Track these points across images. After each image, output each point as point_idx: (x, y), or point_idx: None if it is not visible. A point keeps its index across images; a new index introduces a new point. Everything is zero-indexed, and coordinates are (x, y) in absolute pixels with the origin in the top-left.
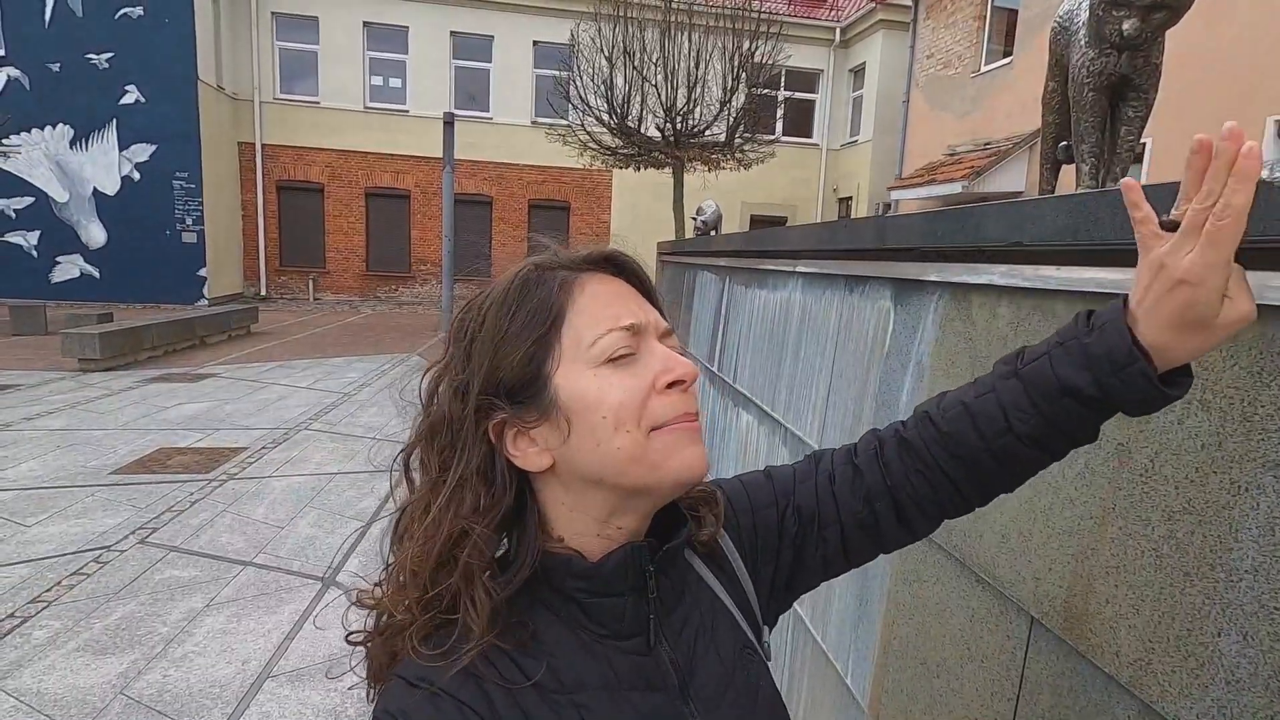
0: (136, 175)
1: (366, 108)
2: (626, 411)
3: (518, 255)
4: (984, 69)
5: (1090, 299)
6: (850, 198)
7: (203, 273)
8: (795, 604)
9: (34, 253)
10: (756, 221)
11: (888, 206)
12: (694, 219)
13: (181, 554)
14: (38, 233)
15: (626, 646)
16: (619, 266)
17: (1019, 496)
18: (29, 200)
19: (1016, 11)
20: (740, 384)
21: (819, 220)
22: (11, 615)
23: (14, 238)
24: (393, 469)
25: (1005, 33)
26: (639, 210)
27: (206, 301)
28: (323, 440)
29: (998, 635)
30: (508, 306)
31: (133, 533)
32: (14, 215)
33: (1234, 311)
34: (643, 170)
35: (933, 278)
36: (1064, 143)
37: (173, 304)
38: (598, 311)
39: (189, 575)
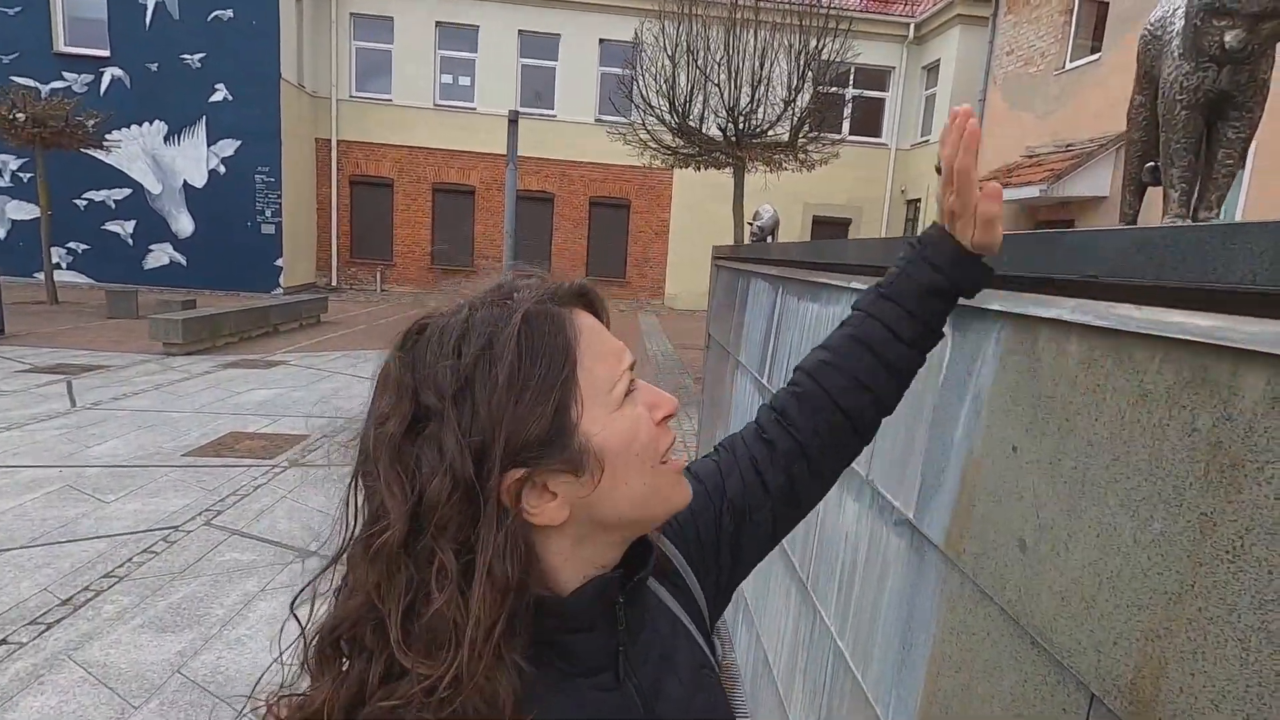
0: (222, 169)
1: (436, 105)
2: (651, 448)
3: (576, 254)
4: (1069, 65)
5: (1177, 347)
6: (919, 199)
7: (279, 263)
8: (837, 638)
9: (130, 240)
10: (819, 223)
11: None
12: (750, 224)
13: (243, 537)
14: (134, 222)
15: (595, 682)
16: (592, 301)
17: (1082, 556)
18: (127, 191)
19: (1107, 5)
20: None
21: (885, 223)
22: (87, 589)
23: (113, 226)
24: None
25: (1094, 27)
26: (698, 210)
27: (281, 290)
28: None
29: (1052, 706)
30: (523, 349)
31: (199, 514)
32: (114, 206)
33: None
34: (703, 170)
35: (995, 306)
36: (1151, 164)
37: (251, 292)
38: (603, 350)
39: (248, 559)
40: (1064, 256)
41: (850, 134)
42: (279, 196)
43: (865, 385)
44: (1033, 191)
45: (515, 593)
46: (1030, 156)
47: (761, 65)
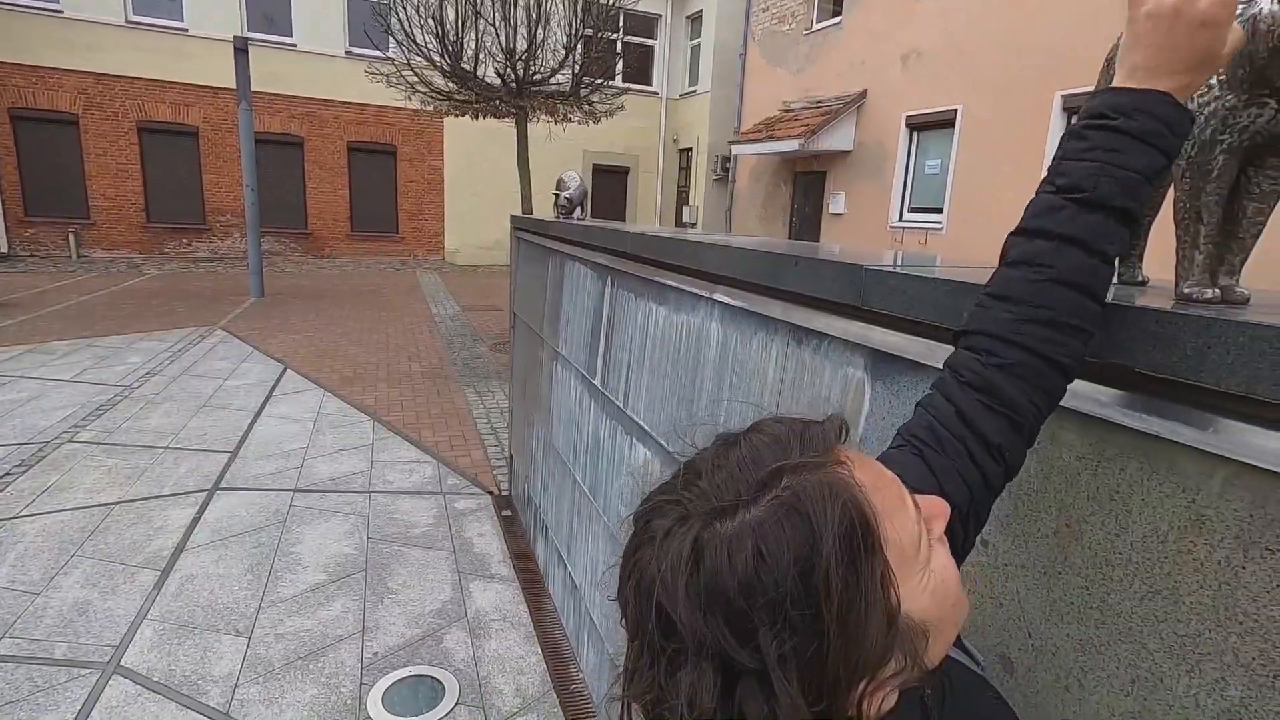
0: None
1: (130, 22)
2: (957, 590)
3: (337, 207)
4: (815, 27)
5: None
6: (690, 149)
7: None
8: None
9: None
10: (600, 172)
11: (727, 160)
12: (555, 194)
13: None
14: None
15: None
16: (845, 429)
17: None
18: None
19: None
20: (635, 413)
21: (660, 172)
22: None
23: None
24: None
25: None
26: (476, 157)
27: None
28: (95, 456)
29: None
30: (843, 564)
31: None
32: None
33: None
34: (479, 119)
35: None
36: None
37: None
38: (891, 500)
39: None
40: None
41: (625, 82)
42: None
43: (1079, 328)
44: (792, 145)
45: None
46: (786, 111)
47: (539, 5)
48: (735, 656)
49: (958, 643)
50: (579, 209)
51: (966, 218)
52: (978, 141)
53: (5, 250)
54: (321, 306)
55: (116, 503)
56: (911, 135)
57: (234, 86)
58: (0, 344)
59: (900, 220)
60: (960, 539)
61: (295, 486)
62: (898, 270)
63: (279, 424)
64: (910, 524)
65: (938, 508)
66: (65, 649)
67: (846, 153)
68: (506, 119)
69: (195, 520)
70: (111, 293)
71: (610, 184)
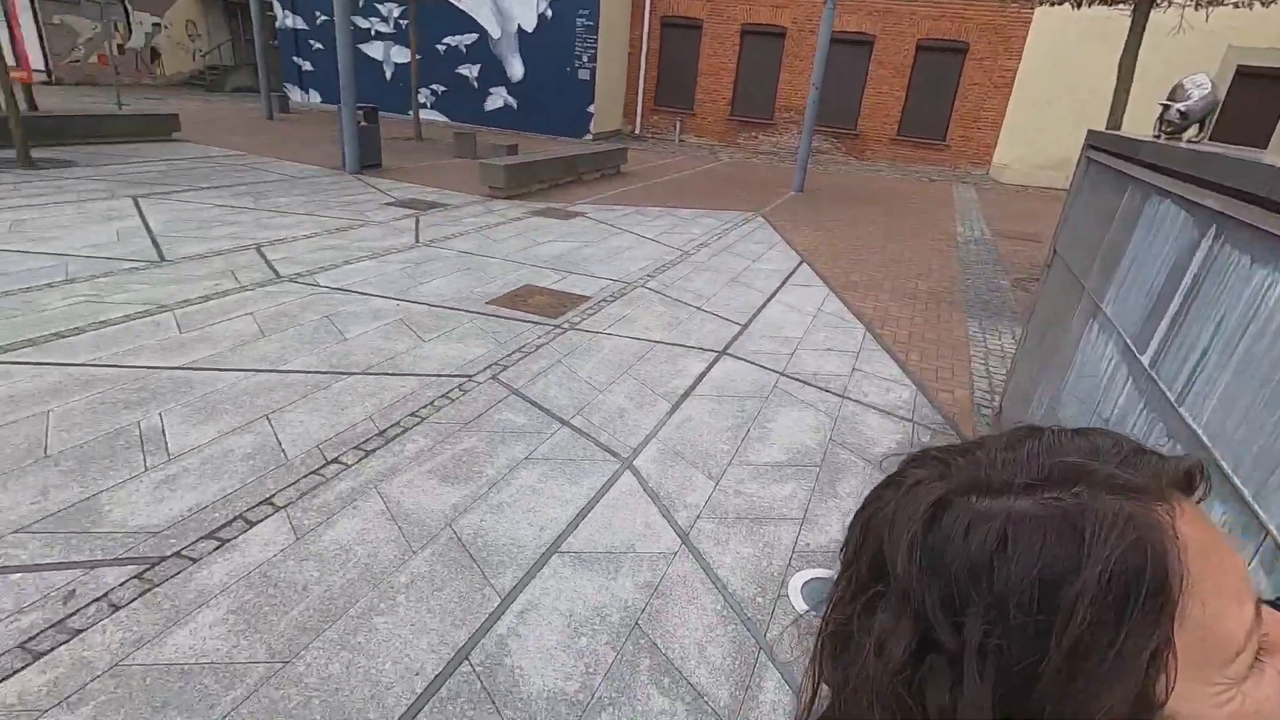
0: (549, 14)
1: None
2: None
3: (889, 110)
4: None
5: None
6: None
7: (591, 109)
8: None
9: (475, 83)
10: (1246, 76)
11: None
12: (1164, 105)
13: (519, 398)
14: (479, 66)
15: None
16: (1195, 486)
17: None
18: (474, 37)
19: None
20: (1194, 416)
21: None
22: (397, 424)
23: (463, 70)
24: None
25: None
26: (1063, 56)
27: (591, 137)
28: (653, 301)
29: None
30: (1098, 598)
31: (489, 366)
32: (464, 50)
33: None
34: (1086, 7)
35: None
36: None
37: (565, 137)
38: (1223, 586)
39: (520, 422)
40: None
41: None
42: (595, 41)
43: None
44: None
45: None
46: None
47: None
48: (937, 627)
49: None
50: (1196, 127)
51: None
52: None
53: (638, 132)
54: (850, 208)
55: (658, 342)
56: None
57: None
58: (620, 202)
59: None
60: None
61: (783, 370)
62: None
63: (784, 311)
64: (1234, 622)
65: None
66: (607, 437)
67: None
68: (1121, 4)
69: (703, 374)
70: (695, 173)
71: (1261, 95)
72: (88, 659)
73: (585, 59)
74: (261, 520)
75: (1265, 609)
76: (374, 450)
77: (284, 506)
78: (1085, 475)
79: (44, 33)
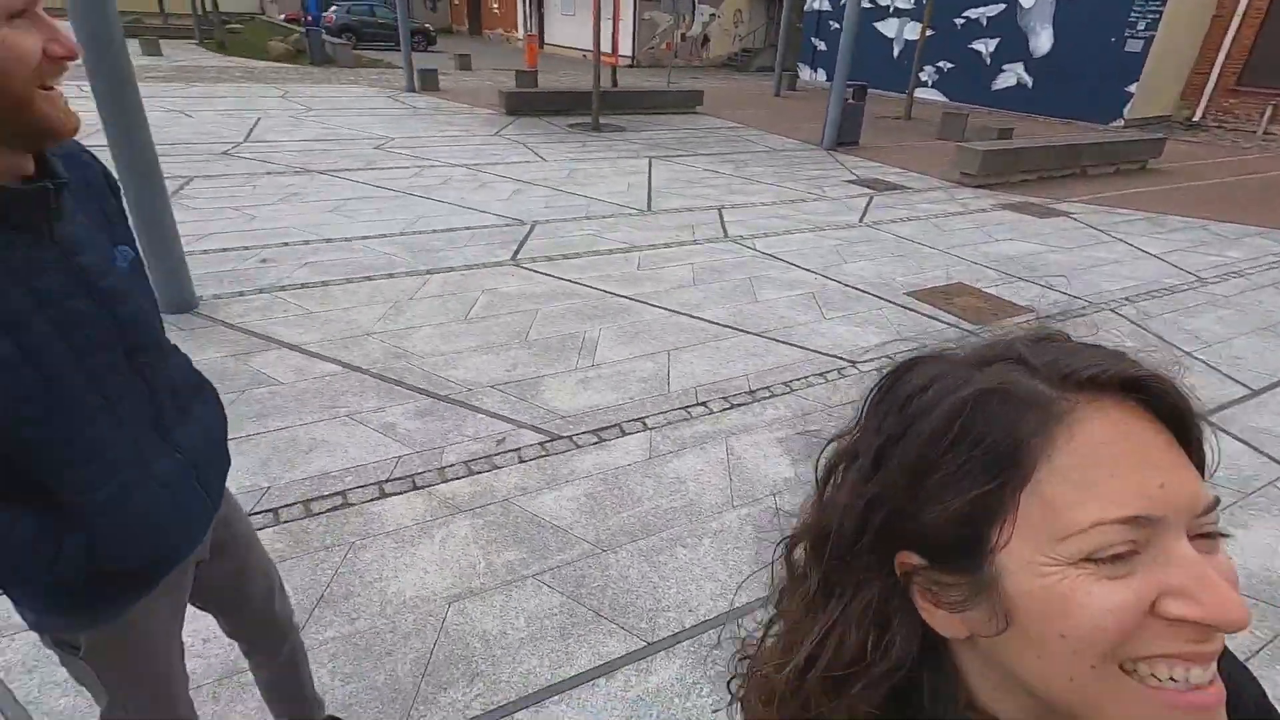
0: None
1: None
2: (1098, 642)
3: None
4: None
5: None
6: None
7: (1131, 89)
8: None
9: (987, 59)
10: None
11: None
12: None
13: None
14: (996, 40)
15: None
16: (1148, 394)
17: None
18: (1000, 7)
19: None
20: None
21: None
22: (766, 388)
23: (977, 45)
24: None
25: None
26: None
27: (1122, 123)
28: (1120, 334)
29: None
30: (941, 432)
31: (879, 358)
32: (984, 24)
33: None
34: None
35: None
36: None
37: (1087, 122)
38: (1091, 480)
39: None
40: None
41: None
42: (1163, 3)
43: None
44: None
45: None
46: None
47: None
48: (865, 434)
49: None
50: None
51: None
52: None
53: (1199, 118)
54: None
55: None
56: None
57: None
58: (1128, 205)
59: None
60: None
61: None
62: None
63: None
64: (1083, 514)
65: (1219, 601)
66: None
67: None
68: None
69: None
70: (1266, 178)
71: None
72: (494, 487)
73: (1142, 26)
74: (632, 434)
75: (1185, 547)
76: (738, 405)
77: (651, 428)
78: (1023, 362)
79: (636, 26)
